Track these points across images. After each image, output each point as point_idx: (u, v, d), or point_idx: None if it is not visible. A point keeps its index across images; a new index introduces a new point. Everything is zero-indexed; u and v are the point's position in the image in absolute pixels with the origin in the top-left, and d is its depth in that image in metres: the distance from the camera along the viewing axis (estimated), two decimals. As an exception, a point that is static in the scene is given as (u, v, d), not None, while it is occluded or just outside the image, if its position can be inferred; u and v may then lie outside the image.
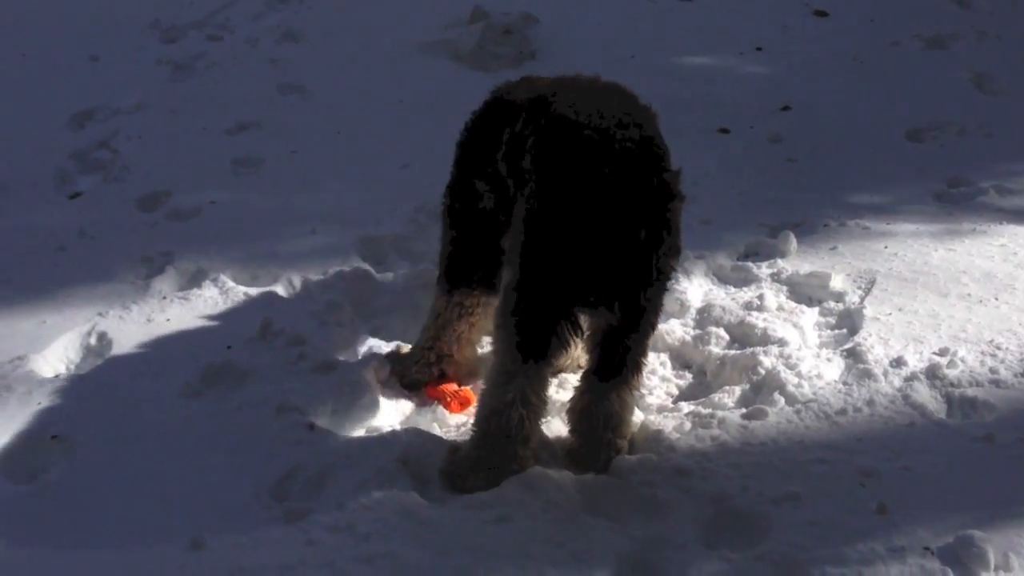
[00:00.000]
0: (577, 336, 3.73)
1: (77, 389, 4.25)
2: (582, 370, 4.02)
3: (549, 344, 3.68)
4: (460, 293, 4.30)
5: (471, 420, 3.94)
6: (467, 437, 3.89)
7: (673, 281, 3.87)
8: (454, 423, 4.18)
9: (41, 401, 4.17)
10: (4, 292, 4.97)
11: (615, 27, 7.99)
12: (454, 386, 4.32)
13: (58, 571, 3.41)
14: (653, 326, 3.86)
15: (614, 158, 3.50)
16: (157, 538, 3.49)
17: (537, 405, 3.76)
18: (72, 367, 4.48)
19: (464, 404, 4.23)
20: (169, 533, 3.50)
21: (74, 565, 3.43)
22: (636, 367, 3.87)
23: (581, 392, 3.93)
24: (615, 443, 3.89)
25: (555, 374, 4.34)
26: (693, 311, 4.77)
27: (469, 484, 3.74)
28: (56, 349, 4.53)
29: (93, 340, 4.60)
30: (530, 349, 3.68)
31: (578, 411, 3.93)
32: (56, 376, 4.36)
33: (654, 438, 3.92)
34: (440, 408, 4.24)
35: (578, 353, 4.19)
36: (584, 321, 3.75)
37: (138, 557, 3.43)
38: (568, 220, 3.52)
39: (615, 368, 3.83)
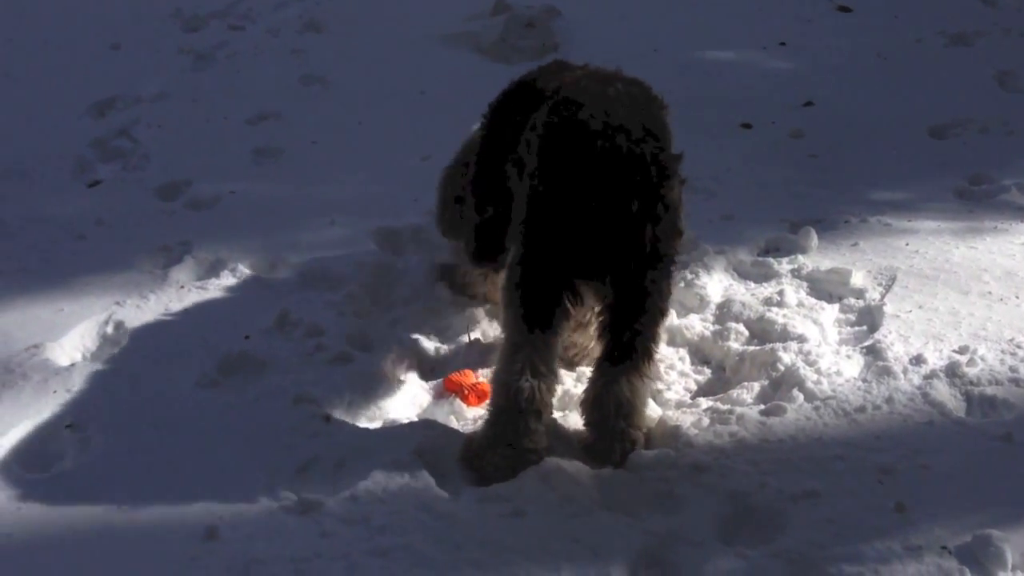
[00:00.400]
0: (579, 305, 3.80)
1: (93, 378, 4.26)
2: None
3: (553, 314, 3.74)
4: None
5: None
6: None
7: (678, 265, 3.92)
8: (471, 416, 4.17)
9: (57, 389, 4.18)
10: (22, 279, 4.99)
11: (638, 21, 7.97)
12: (472, 378, 4.31)
13: (73, 560, 3.42)
14: (662, 312, 3.88)
15: (609, 134, 3.61)
16: (172, 528, 3.50)
17: (547, 375, 3.79)
18: (89, 356, 4.49)
19: (481, 397, 4.21)
20: (184, 523, 3.51)
21: (88, 554, 3.44)
22: (647, 353, 3.88)
23: (593, 381, 3.94)
24: (629, 434, 3.88)
25: (572, 365, 4.38)
26: (713, 306, 4.75)
27: (486, 464, 3.76)
28: (73, 337, 4.54)
29: (110, 329, 4.61)
30: (535, 319, 3.74)
31: (590, 400, 3.93)
32: (72, 365, 4.37)
33: (672, 434, 3.91)
34: (457, 401, 4.24)
35: (593, 344, 4.18)
36: (587, 293, 3.79)
37: (152, 547, 3.44)
38: (563, 192, 3.63)
39: (624, 352, 3.84)
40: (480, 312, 4.77)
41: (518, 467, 3.74)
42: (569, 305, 3.76)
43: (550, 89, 4.01)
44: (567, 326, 3.88)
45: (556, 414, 4.10)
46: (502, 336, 3.89)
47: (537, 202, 3.72)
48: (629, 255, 3.70)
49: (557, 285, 3.73)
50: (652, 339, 3.88)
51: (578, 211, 3.63)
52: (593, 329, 4.00)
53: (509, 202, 4.10)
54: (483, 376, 4.32)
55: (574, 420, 4.05)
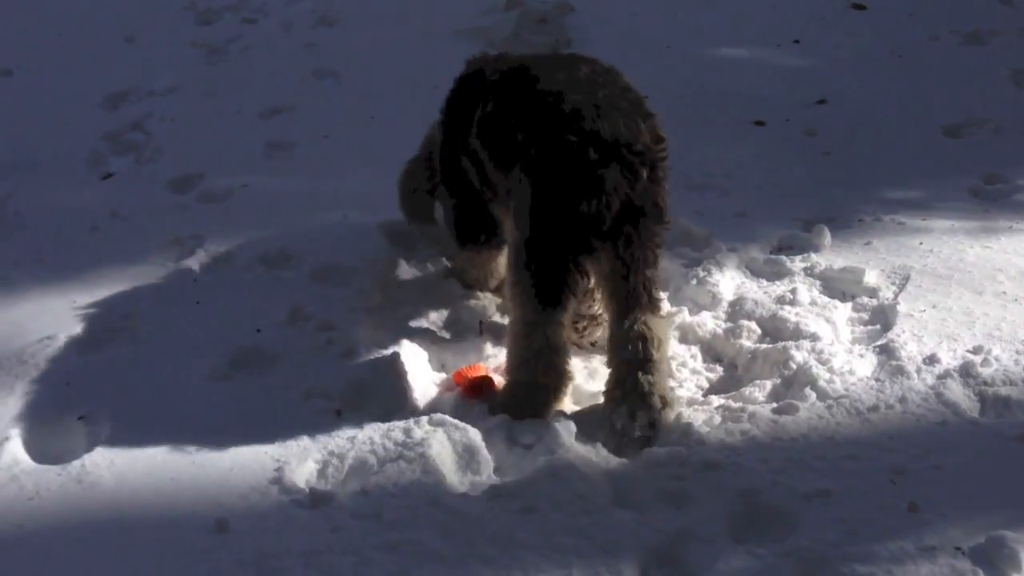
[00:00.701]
0: (586, 280, 4.04)
1: (105, 370, 4.28)
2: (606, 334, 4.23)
3: (563, 292, 3.98)
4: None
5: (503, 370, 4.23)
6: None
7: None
8: (478, 410, 4.16)
9: (70, 381, 4.20)
10: (35, 271, 5.00)
11: (651, 17, 7.95)
12: (481, 372, 4.30)
13: (83, 551, 3.43)
14: (659, 256, 4.12)
15: (604, 117, 3.87)
16: (183, 520, 3.52)
17: (561, 349, 4.06)
18: (101, 348, 4.49)
19: (482, 391, 4.20)
20: (194, 515, 3.52)
21: (99, 545, 3.45)
22: (656, 298, 4.10)
23: (615, 329, 4.09)
24: (653, 363, 4.00)
25: (582, 340, 4.49)
26: (725, 304, 4.74)
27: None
28: (85, 329, 4.55)
29: (123, 321, 4.61)
30: (547, 297, 3.97)
31: (615, 340, 4.08)
32: (85, 356, 4.38)
33: (684, 431, 3.90)
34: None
35: (600, 312, 4.35)
36: (591, 267, 4.01)
37: (164, 538, 3.45)
38: (572, 180, 3.85)
39: (638, 298, 4.04)
40: (491, 307, 4.76)
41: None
42: (577, 279, 3.98)
43: (492, 77, 4.31)
44: (574, 303, 4.10)
45: (569, 408, 4.11)
46: (512, 309, 4.12)
47: (545, 191, 3.91)
48: (641, 221, 3.94)
49: (565, 262, 3.94)
50: (657, 285, 4.12)
51: (589, 195, 3.84)
52: (600, 295, 4.17)
53: (472, 189, 4.48)
54: (494, 372, 4.32)
55: (584, 418, 4.04)
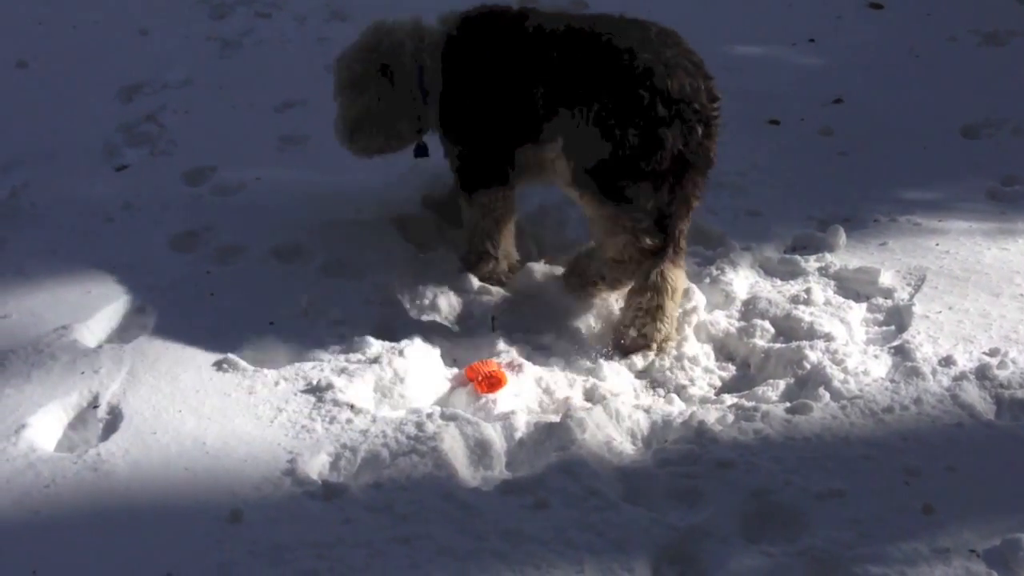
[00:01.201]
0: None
1: (120, 360, 4.27)
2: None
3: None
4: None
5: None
6: None
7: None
8: (496, 410, 4.16)
9: (84, 371, 4.19)
10: (50, 262, 5.00)
11: (665, 15, 7.84)
12: (492, 367, 4.30)
13: (98, 540, 3.44)
14: (694, 209, 4.52)
15: (671, 72, 4.27)
16: (197, 510, 3.52)
17: None
18: (115, 338, 4.50)
19: (494, 385, 4.20)
20: (208, 506, 3.53)
21: (114, 534, 3.46)
22: (680, 249, 4.47)
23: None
24: (664, 311, 4.42)
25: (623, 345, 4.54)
26: (739, 303, 4.73)
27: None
28: (100, 319, 4.55)
29: (137, 311, 4.62)
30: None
31: (636, 283, 4.49)
32: (99, 346, 4.39)
33: (697, 429, 3.89)
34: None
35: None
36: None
37: (178, 528, 3.46)
38: (653, 139, 4.23)
39: (663, 248, 4.43)
40: (503, 303, 4.76)
41: None
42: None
43: (556, 30, 4.51)
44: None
45: (582, 406, 4.10)
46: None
47: (611, 139, 4.25)
48: (687, 173, 4.33)
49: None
50: (685, 237, 4.49)
51: (652, 147, 4.23)
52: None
53: (497, 133, 4.66)
54: (503, 367, 4.31)
55: (598, 415, 4.03)
